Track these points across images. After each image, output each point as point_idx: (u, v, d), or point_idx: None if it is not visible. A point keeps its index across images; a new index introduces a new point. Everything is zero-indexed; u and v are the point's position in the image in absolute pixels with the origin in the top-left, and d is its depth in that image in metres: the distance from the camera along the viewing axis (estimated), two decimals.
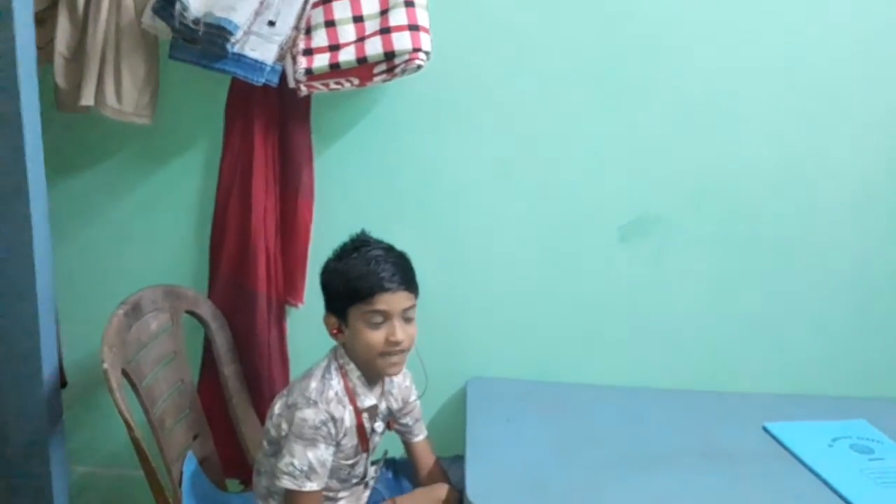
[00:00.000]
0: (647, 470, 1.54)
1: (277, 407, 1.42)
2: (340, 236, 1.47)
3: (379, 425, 1.49)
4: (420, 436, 1.61)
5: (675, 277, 1.86)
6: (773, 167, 1.80)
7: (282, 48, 1.61)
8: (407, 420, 1.58)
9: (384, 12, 1.61)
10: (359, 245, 1.43)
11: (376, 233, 1.48)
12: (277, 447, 1.38)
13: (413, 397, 1.58)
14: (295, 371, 1.84)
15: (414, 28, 1.60)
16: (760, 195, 1.82)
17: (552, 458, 1.56)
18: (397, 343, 1.36)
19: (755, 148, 1.79)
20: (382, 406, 1.49)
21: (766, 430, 1.72)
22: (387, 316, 1.36)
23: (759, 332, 1.90)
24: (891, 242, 1.84)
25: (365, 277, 1.36)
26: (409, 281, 1.39)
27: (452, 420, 1.86)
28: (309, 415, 1.34)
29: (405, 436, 1.60)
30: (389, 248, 1.43)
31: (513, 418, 1.72)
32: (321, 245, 1.63)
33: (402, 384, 1.55)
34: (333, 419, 1.36)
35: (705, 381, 1.91)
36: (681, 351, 1.91)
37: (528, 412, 1.75)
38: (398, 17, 1.59)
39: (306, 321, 1.80)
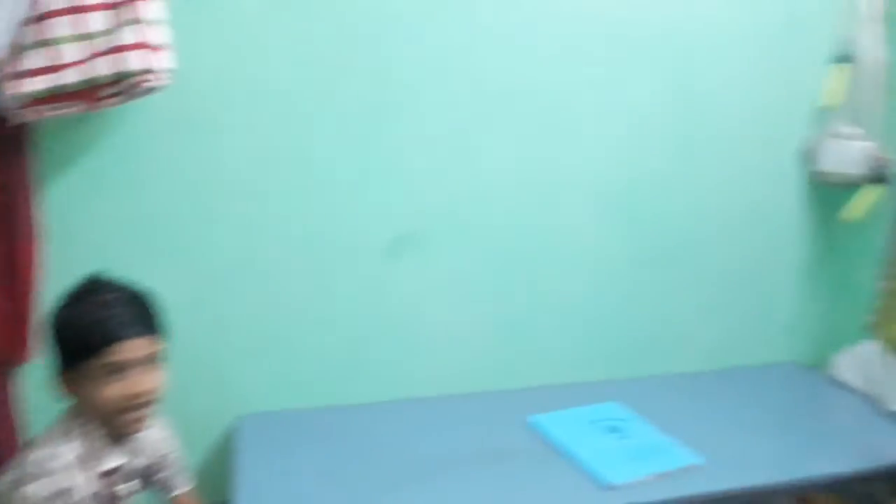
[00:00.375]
0: (423, 481, 1.56)
1: (2, 484, 1.23)
2: (78, 279, 1.30)
3: (128, 486, 1.34)
4: (182, 488, 1.49)
5: (440, 288, 1.91)
6: (523, 180, 1.90)
7: None
8: (165, 474, 1.45)
9: (114, 29, 1.46)
10: (89, 289, 1.27)
11: (122, 269, 1.33)
12: None
13: (169, 448, 1.46)
14: (28, 438, 1.62)
15: (147, 47, 1.47)
16: (515, 206, 1.91)
17: (329, 487, 1.53)
18: (139, 396, 1.24)
19: (506, 162, 1.88)
20: (133, 464, 1.36)
21: (530, 423, 1.82)
22: (125, 367, 1.22)
23: (518, 331, 2.00)
24: (624, 239, 2.03)
25: (97, 326, 1.21)
26: (149, 324, 1.27)
27: (222, 463, 1.75)
28: (35, 489, 1.17)
29: (165, 490, 1.47)
30: (126, 289, 1.28)
31: (287, 451, 1.66)
32: (54, 292, 1.44)
33: (155, 436, 1.42)
34: (65, 490, 1.19)
35: (473, 383, 1.98)
36: (447, 358, 1.96)
37: (303, 443, 1.70)
38: (129, 34, 1.46)
39: (38, 380, 1.59)
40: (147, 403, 1.26)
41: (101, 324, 1.21)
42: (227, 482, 1.55)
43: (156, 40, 1.50)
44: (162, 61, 1.50)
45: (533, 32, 1.82)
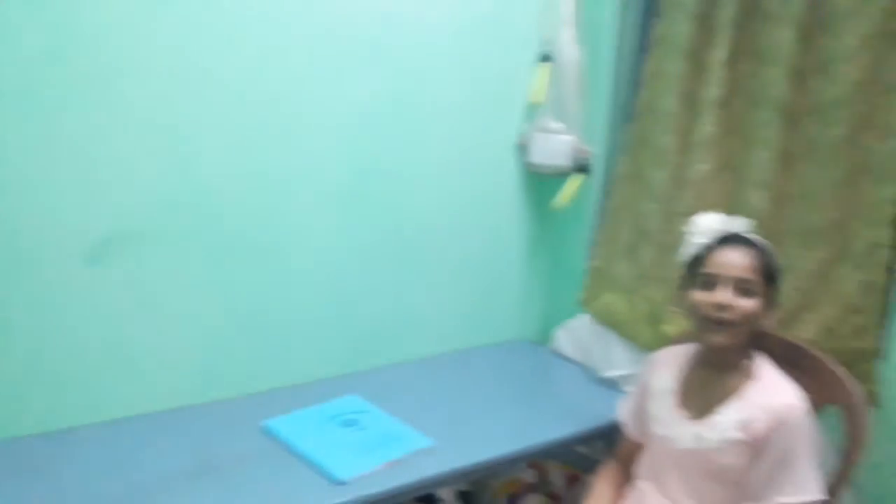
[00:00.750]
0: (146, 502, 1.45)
1: None
2: None
3: None
4: None
5: (156, 294, 1.76)
6: (247, 174, 1.82)
7: None
8: None
9: None
10: None
11: None
12: None
13: None
14: None
15: None
16: (238, 202, 1.82)
17: None
18: None
19: (228, 156, 1.79)
20: None
21: (263, 428, 1.75)
22: None
23: (249, 333, 1.92)
24: (354, 232, 2.03)
25: None
26: None
27: None
28: None
29: None
30: None
31: None
32: None
33: None
34: None
35: (204, 393, 1.87)
36: (171, 369, 1.83)
37: (5, 477, 1.49)
38: None
39: None
40: None
41: None
42: None
43: None
44: None
45: (255, 24, 1.75)
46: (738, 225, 1.47)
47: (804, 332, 1.67)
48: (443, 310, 2.28)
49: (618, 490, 1.64)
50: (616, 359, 2.15)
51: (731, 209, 1.81)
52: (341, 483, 1.55)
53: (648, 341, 2.00)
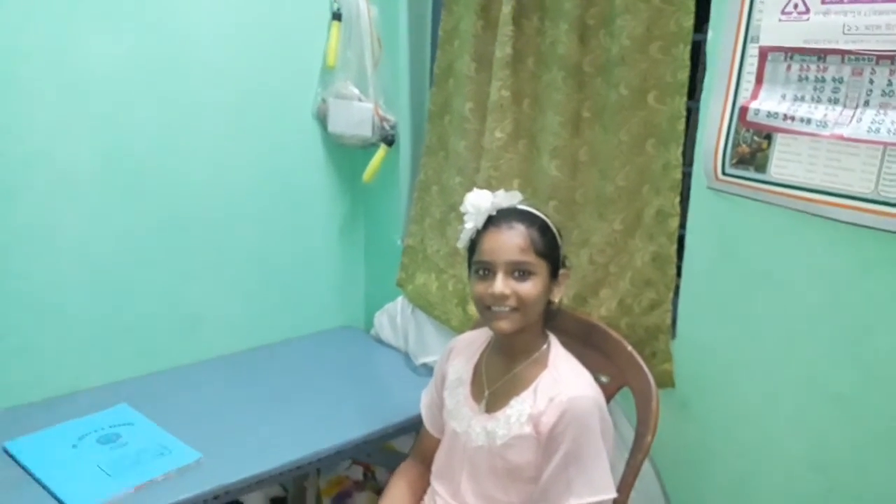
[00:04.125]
0: None
1: None
2: None
3: None
4: None
5: None
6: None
7: None
8: None
9: None
10: None
11: None
12: None
13: None
14: None
15: None
16: None
17: None
18: None
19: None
20: None
21: (6, 451, 1.51)
22: None
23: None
24: (108, 225, 1.78)
25: None
26: None
27: None
28: None
29: None
30: None
31: None
32: None
33: None
34: None
35: None
36: None
37: None
38: None
39: None
40: None
41: None
42: None
43: None
44: None
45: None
46: (508, 200, 1.31)
47: (602, 309, 1.55)
48: (243, 301, 2.06)
49: (413, 492, 1.49)
50: (431, 343, 2.00)
51: (528, 180, 1.67)
52: None
53: (460, 323, 1.84)
